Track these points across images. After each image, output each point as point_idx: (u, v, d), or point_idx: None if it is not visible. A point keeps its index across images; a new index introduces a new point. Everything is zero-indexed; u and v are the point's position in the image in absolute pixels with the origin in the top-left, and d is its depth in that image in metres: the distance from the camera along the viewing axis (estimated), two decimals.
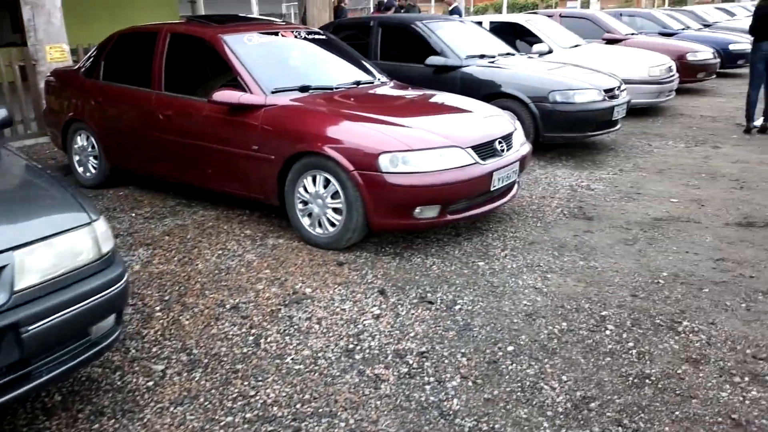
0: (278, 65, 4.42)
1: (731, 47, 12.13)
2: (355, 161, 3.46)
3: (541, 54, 8.34)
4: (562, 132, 5.98)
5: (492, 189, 3.76)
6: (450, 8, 12.41)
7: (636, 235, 3.96)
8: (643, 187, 5.05)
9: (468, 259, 3.58)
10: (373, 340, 2.65)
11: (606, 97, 6.02)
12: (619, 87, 6.38)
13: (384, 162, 3.41)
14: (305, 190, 3.74)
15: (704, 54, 10.27)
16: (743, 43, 12.04)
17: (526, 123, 5.94)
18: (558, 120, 5.88)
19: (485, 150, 3.74)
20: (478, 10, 69.52)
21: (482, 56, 6.54)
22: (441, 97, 4.66)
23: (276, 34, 4.65)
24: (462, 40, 6.87)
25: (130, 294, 3.03)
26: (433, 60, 6.31)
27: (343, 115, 3.83)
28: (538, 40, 8.52)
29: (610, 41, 10.40)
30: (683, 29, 13.51)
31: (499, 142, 3.87)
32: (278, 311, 2.91)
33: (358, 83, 4.58)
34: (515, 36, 8.81)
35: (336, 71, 4.73)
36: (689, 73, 10.17)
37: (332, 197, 3.63)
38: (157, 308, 2.97)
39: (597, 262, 3.51)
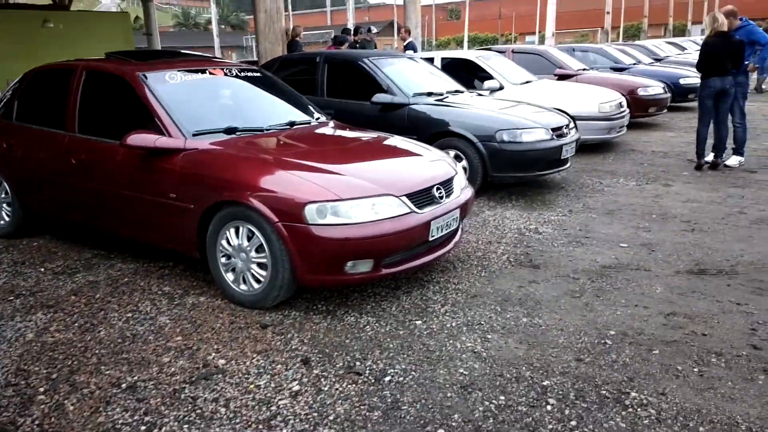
0: (203, 105, 4.12)
1: (682, 81, 12.37)
2: (280, 212, 3.16)
3: (492, 91, 8.28)
4: (511, 172, 5.81)
5: (430, 239, 3.50)
6: (405, 43, 12.40)
7: (583, 285, 3.74)
8: (593, 230, 4.88)
9: (405, 317, 3.30)
10: (285, 427, 2.32)
11: (554, 136, 5.89)
12: (567, 125, 6.28)
13: (311, 213, 3.12)
14: (228, 242, 3.41)
15: (655, 89, 10.40)
16: (693, 77, 12.26)
17: (474, 163, 5.77)
18: (506, 160, 5.71)
19: (422, 197, 3.49)
20: (440, 43, 70.73)
21: (430, 94, 6.37)
22: (380, 139, 4.42)
23: (204, 71, 4.36)
24: (410, 77, 6.71)
25: (12, 373, 2.64)
26: (379, 98, 6.11)
27: (270, 160, 3.54)
28: (490, 77, 8.46)
29: (562, 77, 10.44)
30: (635, 64, 13.77)
31: (438, 189, 3.63)
32: (181, 391, 2.55)
33: (292, 124, 4.30)
34: (467, 72, 8.73)
35: (269, 111, 4.46)
36: (640, 107, 10.27)
37: (257, 251, 3.31)
38: (41, 389, 2.58)
39: (541, 318, 3.26)
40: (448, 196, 3.71)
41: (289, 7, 50.42)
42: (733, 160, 7.19)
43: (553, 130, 5.94)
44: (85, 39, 14.78)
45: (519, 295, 3.59)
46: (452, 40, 76.00)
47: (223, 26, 77.41)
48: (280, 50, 10.16)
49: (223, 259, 3.47)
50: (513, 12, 75.27)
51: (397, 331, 3.13)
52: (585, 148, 8.33)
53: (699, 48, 6.86)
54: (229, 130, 3.84)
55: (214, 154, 3.58)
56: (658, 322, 3.19)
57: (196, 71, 4.30)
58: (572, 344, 2.96)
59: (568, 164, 6.31)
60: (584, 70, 10.85)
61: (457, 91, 6.79)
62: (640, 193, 6.10)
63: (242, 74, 4.60)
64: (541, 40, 47.21)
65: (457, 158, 5.87)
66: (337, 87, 6.66)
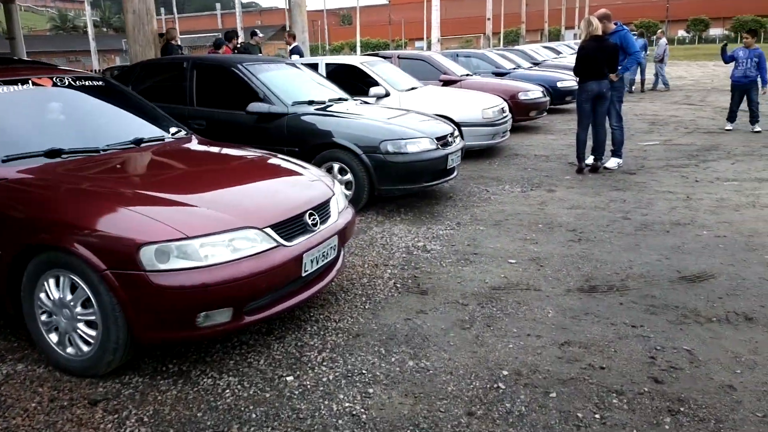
0: (19, 124, 3.39)
1: (559, 85, 12.75)
2: (109, 257, 2.56)
3: (379, 98, 7.98)
4: (398, 184, 5.47)
5: (304, 274, 3.04)
6: (290, 48, 11.84)
7: (473, 313, 3.43)
8: (481, 245, 4.63)
9: (275, 373, 2.80)
10: None
11: (439, 146, 5.62)
12: (452, 134, 6.05)
13: (148, 256, 2.54)
14: (48, 296, 2.75)
15: (534, 93, 10.57)
16: (570, 80, 12.69)
17: (359, 176, 5.37)
18: (391, 171, 5.36)
19: (292, 227, 3.02)
20: (334, 48, 70.02)
21: (311, 102, 5.90)
22: (246, 158, 3.88)
23: (26, 81, 3.61)
24: (289, 84, 6.20)
25: None
26: (254, 107, 5.55)
27: (99, 190, 2.90)
28: (375, 83, 8.14)
29: (447, 83, 10.36)
30: (515, 68, 14.07)
31: (311, 215, 3.17)
32: None
33: (139, 142, 3.66)
34: (353, 79, 8.35)
35: (109, 127, 3.78)
36: (522, 111, 10.40)
37: (83, 306, 2.68)
38: None
39: (429, 359, 2.90)
40: (324, 221, 3.26)
41: (174, 9, 47.94)
42: (612, 163, 7.32)
43: (438, 139, 5.67)
44: None
45: (405, 331, 3.21)
46: (346, 45, 76.11)
47: (105, 29, 72.30)
48: (152, 54, 9.26)
49: (43, 317, 2.80)
50: (402, 18, 76.67)
51: (263, 393, 2.63)
52: (471, 154, 8.22)
53: (574, 51, 6.91)
54: (52, 153, 3.16)
55: (26, 183, 2.89)
56: (552, 354, 2.92)
57: (14, 82, 3.55)
58: (463, 392, 2.60)
59: (455, 173, 6.08)
60: (467, 75, 10.85)
61: (340, 99, 6.37)
62: (525, 200, 5.99)
63: (78, 84, 3.89)
64: (430, 46, 48.40)
65: (342, 172, 5.45)
66: (208, 95, 6.02)
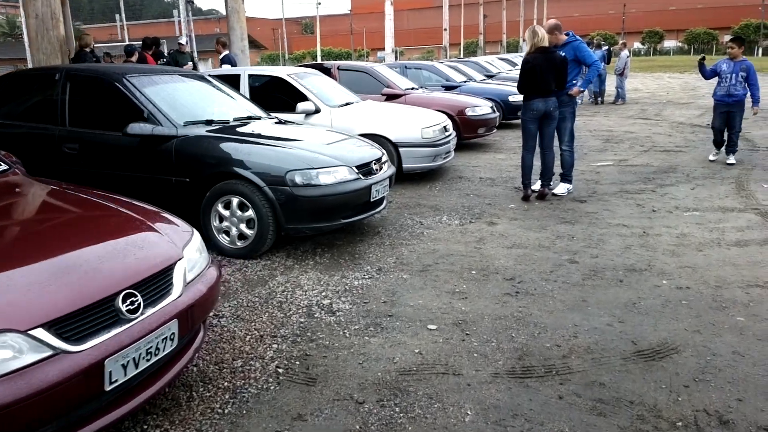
0: None
1: (511, 99, 12.09)
2: None
3: (307, 114, 7.15)
4: (308, 222, 4.59)
5: (109, 388, 2.12)
6: (220, 56, 10.89)
7: (367, 418, 2.57)
8: (399, 301, 3.80)
9: None
10: None
11: (360, 175, 4.79)
12: (378, 159, 5.22)
13: None
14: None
15: (483, 108, 9.87)
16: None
17: (262, 213, 4.49)
18: (301, 207, 4.49)
19: (87, 321, 2.09)
20: (295, 57, 68.74)
21: (210, 122, 5.00)
22: (53, 208, 2.93)
23: None
24: (184, 100, 5.29)
25: None
26: (134, 128, 4.61)
27: None
28: (304, 98, 7.28)
29: (390, 97, 9.59)
30: (465, 81, 13.41)
31: (128, 296, 2.25)
32: None
33: None
34: (281, 93, 7.48)
35: None
36: (469, 128, 9.68)
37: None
38: None
39: None
40: (153, 302, 2.36)
41: (123, 15, 46.07)
42: (561, 188, 6.61)
43: (360, 167, 4.83)
44: None
45: None
46: (307, 54, 74.95)
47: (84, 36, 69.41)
48: (58, 62, 8.23)
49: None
50: (364, 27, 76.06)
51: None
52: (410, 177, 7.44)
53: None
54: None
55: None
56: None
57: None
58: None
59: (383, 205, 5.24)
60: (413, 89, 10.08)
61: (250, 118, 5.49)
62: (462, 236, 5.19)
63: None
64: (396, 56, 47.87)
65: (243, 207, 4.56)
66: (83, 114, 5.05)
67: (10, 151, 5.20)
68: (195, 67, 11.48)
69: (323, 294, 3.95)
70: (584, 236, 5.12)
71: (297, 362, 3.07)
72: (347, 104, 7.62)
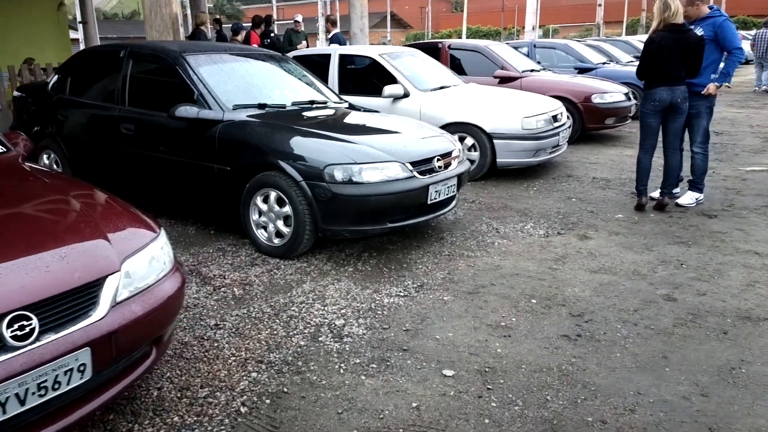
0: None
1: None
2: None
3: (396, 98, 6.60)
4: (349, 224, 4.04)
5: None
6: (329, 35, 10.64)
7: None
8: (424, 332, 3.14)
9: None
10: None
11: (416, 173, 4.13)
12: (448, 154, 4.52)
13: None
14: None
15: (615, 95, 8.60)
16: None
17: (299, 211, 4.02)
18: (341, 207, 3.95)
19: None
20: (441, 36, 68.51)
21: (262, 106, 4.61)
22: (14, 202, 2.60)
23: None
24: (244, 82, 4.95)
25: None
26: (181, 111, 4.34)
27: None
28: (394, 80, 6.72)
29: (504, 80, 8.70)
30: (604, 63, 11.93)
31: (15, 321, 1.88)
32: None
33: None
34: (371, 75, 6.99)
35: None
36: (595, 118, 8.49)
37: None
38: None
39: None
40: (60, 326, 1.96)
41: None
42: (687, 198, 5.40)
43: (416, 163, 4.17)
44: (9, 27, 13.01)
45: None
46: (453, 32, 73.73)
47: (218, 16, 74.98)
48: (170, 40, 8.45)
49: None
50: (516, 5, 72.94)
51: None
52: (507, 173, 6.59)
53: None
54: None
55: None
56: None
57: None
58: None
59: (447, 208, 4.54)
60: (532, 71, 9.05)
61: (313, 103, 5.03)
62: (540, 251, 4.34)
63: None
64: (546, 34, 45.11)
65: (280, 202, 4.13)
66: (141, 93, 4.92)
67: (77, 132, 5.28)
68: (308, 46, 11.34)
69: (343, 312, 3.40)
70: (698, 264, 4.04)
71: (267, 401, 2.56)
72: (442, 87, 6.91)
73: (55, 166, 5.45)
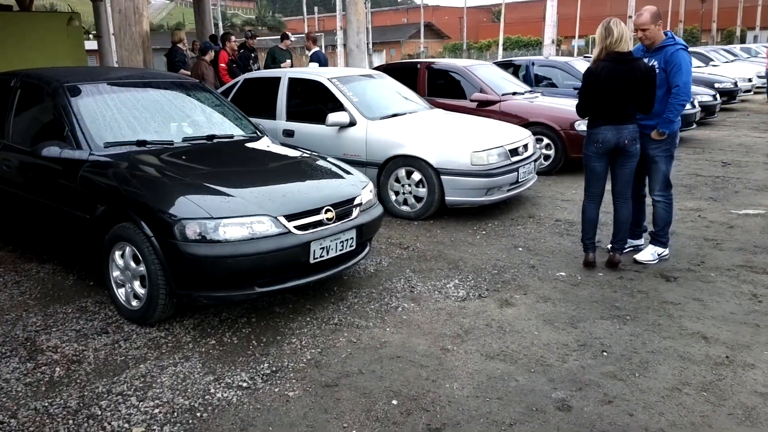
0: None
1: None
2: None
3: (341, 127, 6.00)
4: (207, 290, 3.44)
5: None
6: (309, 53, 10.11)
7: None
8: None
9: None
10: None
11: (292, 228, 3.51)
12: (346, 202, 3.88)
13: None
14: None
15: None
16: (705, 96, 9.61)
17: (152, 269, 3.44)
18: (193, 269, 3.37)
19: None
20: (481, 46, 67.39)
21: (141, 143, 4.07)
22: None
23: None
24: (132, 115, 4.39)
25: None
26: (45, 150, 3.83)
27: None
28: (341, 107, 6.14)
29: (482, 103, 8.03)
30: None
31: None
32: None
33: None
34: (323, 101, 6.40)
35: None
36: (579, 147, 7.68)
37: None
38: None
39: None
40: None
41: (304, 8, 48.17)
42: (647, 253, 4.64)
43: (294, 216, 3.55)
44: (23, 42, 13.00)
45: None
46: (493, 42, 72.40)
47: (260, 27, 75.62)
48: (140, 59, 8.06)
49: None
50: (558, 14, 71.18)
51: None
52: (458, 212, 5.92)
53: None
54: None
55: None
56: None
57: None
58: None
59: (345, 265, 3.90)
60: (514, 93, 8.31)
61: (220, 137, 4.48)
62: (444, 323, 3.67)
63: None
64: (588, 45, 43.56)
65: (136, 259, 3.56)
66: (23, 127, 4.45)
67: None
68: (292, 65, 10.82)
69: (155, 412, 2.79)
70: (624, 351, 3.30)
71: None
72: (394, 115, 6.28)
73: None
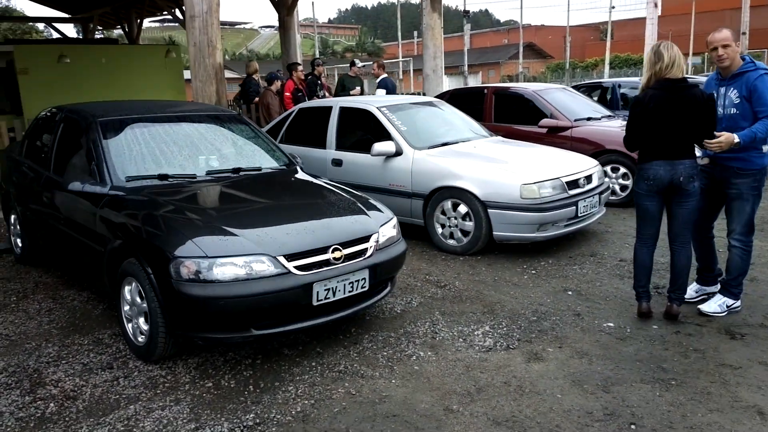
0: None
1: None
2: None
3: (388, 157, 5.83)
4: (201, 330, 3.33)
5: None
6: (377, 80, 10.03)
7: None
8: None
9: None
10: None
11: (292, 268, 3.32)
12: (361, 240, 3.66)
13: None
14: None
15: None
16: None
17: (152, 307, 3.40)
18: (187, 309, 3.27)
19: None
20: (587, 65, 65.38)
21: (163, 177, 4.08)
22: None
23: None
24: (160, 148, 4.41)
25: None
26: (71, 184, 3.94)
27: None
28: (388, 136, 5.96)
29: (552, 129, 7.57)
30: None
31: None
32: None
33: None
34: (371, 130, 6.25)
35: None
36: None
37: None
38: None
39: None
40: None
41: (399, 34, 48.70)
42: (713, 304, 4.01)
43: (296, 256, 3.36)
44: (125, 72, 14.13)
45: None
46: (600, 61, 69.71)
47: (360, 53, 77.95)
48: (213, 90, 8.35)
49: None
50: (670, 31, 67.59)
51: None
52: (508, 247, 5.51)
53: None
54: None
55: None
56: None
57: None
58: None
59: (357, 307, 3.65)
60: (589, 119, 7.74)
61: (247, 170, 4.42)
62: (459, 377, 3.32)
63: None
64: (704, 63, 40.54)
65: (142, 296, 3.52)
66: (62, 160, 4.62)
67: (26, 196, 5.12)
68: (362, 93, 10.80)
69: None
70: (658, 423, 2.80)
71: None
72: (444, 144, 5.98)
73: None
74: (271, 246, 3.34)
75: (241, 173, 4.38)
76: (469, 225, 5.40)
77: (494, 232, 5.28)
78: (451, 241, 5.59)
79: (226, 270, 3.21)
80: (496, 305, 4.33)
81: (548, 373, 3.33)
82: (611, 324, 3.94)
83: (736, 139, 3.59)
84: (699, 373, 3.26)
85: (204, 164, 4.41)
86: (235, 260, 3.23)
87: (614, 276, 4.86)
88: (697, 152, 3.79)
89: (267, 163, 4.67)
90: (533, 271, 5.03)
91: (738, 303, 4.00)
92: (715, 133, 3.62)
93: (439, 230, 5.65)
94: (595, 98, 10.36)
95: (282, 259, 3.31)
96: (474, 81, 48.96)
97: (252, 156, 4.70)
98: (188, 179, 4.15)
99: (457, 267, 5.20)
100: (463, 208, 5.42)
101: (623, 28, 66.68)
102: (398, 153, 5.81)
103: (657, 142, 3.66)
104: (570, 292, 4.54)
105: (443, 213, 5.59)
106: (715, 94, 3.87)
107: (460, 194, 5.42)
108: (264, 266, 3.26)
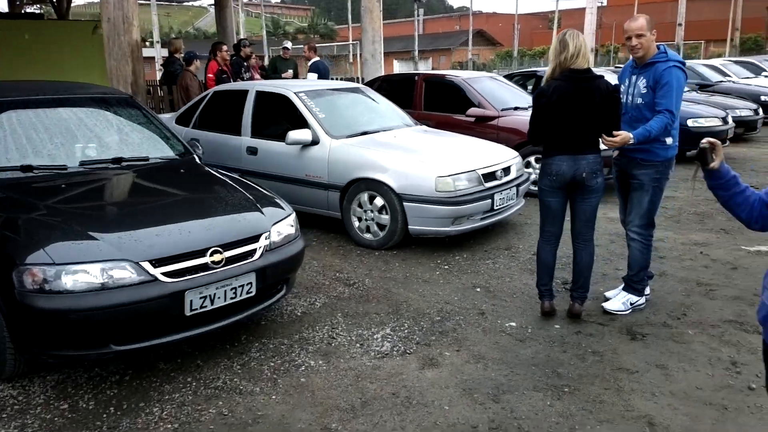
0: None
1: (690, 123, 8.68)
2: None
3: (303, 146, 5.52)
4: (51, 348, 2.96)
5: None
6: (309, 62, 9.63)
7: None
8: None
9: None
10: None
11: (159, 275, 2.99)
12: (250, 240, 3.35)
13: None
14: None
15: None
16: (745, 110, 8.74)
17: None
18: (34, 324, 2.90)
19: None
20: (535, 53, 65.95)
21: (26, 168, 3.65)
22: None
23: None
24: (33, 135, 3.98)
25: None
26: None
27: None
28: (305, 124, 5.63)
29: (480, 119, 7.40)
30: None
31: None
32: None
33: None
34: (289, 117, 5.89)
35: None
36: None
37: None
38: None
39: None
40: None
41: (349, 17, 47.82)
42: (617, 302, 3.90)
43: (165, 260, 3.03)
44: (50, 49, 13.20)
45: None
46: (547, 49, 70.06)
47: (312, 35, 76.30)
48: (128, 69, 7.78)
49: None
50: (614, 21, 68.58)
51: None
52: (424, 241, 5.29)
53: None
54: None
55: None
56: None
57: None
58: None
59: (242, 315, 3.35)
60: (516, 108, 7.57)
61: (130, 160, 4.03)
62: (347, 388, 3.08)
63: None
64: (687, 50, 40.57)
65: None
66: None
67: None
68: (296, 76, 10.40)
69: None
70: None
71: None
72: (363, 133, 5.70)
73: None
74: (134, 250, 3.00)
75: (123, 164, 4.00)
76: (385, 218, 5.16)
77: (409, 226, 5.06)
78: (368, 235, 5.34)
79: (77, 278, 2.85)
80: (402, 305, 4.11)
81: (440, 381, 3.13)
82: (513, 324, 3.77)
83: (632, 140, 3.45)
84: (594, 378, 3.11)
85: (80, 154, 4.00)
86: (88, 267, 2.88)
87: (525, 271, 4.70)
88: (602, 146, 3.63)
89: (157, 152, 4.29)
90: (446, 267, 4.83)
91: (642, 300, 3.89)
92: (614, 132, 3.46)
93: (356, 224, 5.39)
94: (531, 87, 10.25)
95: (146, 265, 2.97)
96: (424, 66, 48.60)
97: (139, 144, 4.31)
98: (57, 171, 3.74)
99: (370, 263, 4.96)
100: (379, 201, 5.17)
101: (570, 18, 67.44)
102: (315, 142, 5.50)
103: (560, 136, 3.48)
104: (479, 289, 4.36)
105: (360, 206, 5.33)
106: (627, 82, 3.74)
107: (376, 186, 5.16)
108: (125, 273, 2.93)
